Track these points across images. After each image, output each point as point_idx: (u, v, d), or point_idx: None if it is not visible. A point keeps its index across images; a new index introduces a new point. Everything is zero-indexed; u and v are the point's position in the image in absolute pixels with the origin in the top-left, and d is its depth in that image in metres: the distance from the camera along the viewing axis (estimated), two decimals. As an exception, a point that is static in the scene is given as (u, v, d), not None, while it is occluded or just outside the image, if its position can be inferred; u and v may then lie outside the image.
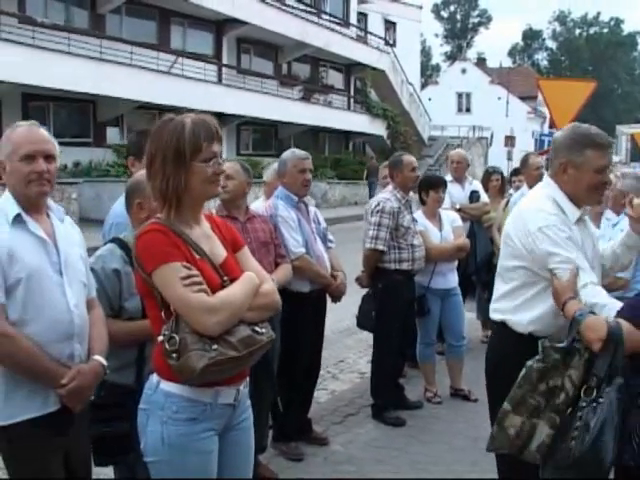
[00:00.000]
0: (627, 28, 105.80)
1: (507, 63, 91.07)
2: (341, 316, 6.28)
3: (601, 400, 3.10)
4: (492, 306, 4.00)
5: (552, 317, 3.61)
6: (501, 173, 9.93)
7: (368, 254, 6.49)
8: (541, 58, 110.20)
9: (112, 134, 25.40)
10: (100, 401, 3.37)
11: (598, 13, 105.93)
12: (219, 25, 29.09)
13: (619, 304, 3.38)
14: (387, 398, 6.64)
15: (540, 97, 57.81)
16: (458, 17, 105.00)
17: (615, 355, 3.13)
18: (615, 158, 58.59)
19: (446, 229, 7.13)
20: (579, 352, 3.24)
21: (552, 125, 15.77)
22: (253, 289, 2.93)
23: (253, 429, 3.17)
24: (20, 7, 22.16)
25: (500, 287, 3.94)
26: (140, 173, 3.82)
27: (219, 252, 3.00)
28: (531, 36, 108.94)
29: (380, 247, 6.36)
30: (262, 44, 32.27)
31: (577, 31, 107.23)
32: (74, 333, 3.17)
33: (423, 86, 61.64)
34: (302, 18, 32.64)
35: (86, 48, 21.93)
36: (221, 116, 28.71)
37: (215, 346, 2.73)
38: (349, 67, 38.44)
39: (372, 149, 40.77)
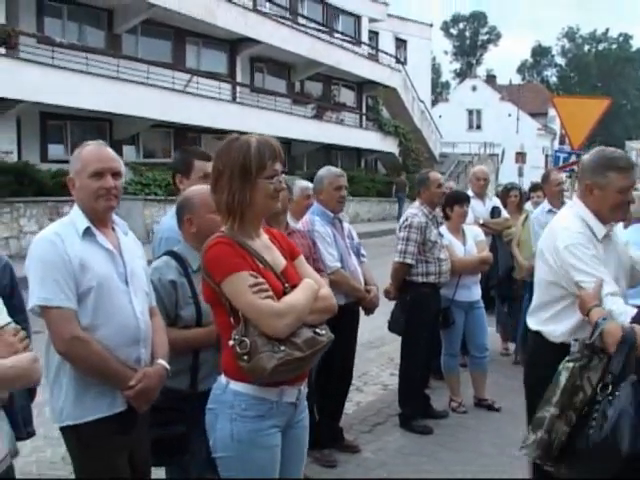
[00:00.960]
0: (636, 44, 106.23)
1: (516, 80, 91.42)
2: (362, 330, 6.46)
3: (617, 393, 3.37)
4: (529, 315, 4.23)
5: (580, 329, 3.84)
6: (519, 189, 10.15)
7: (397, 267, 6.71)
8: (550, 74, 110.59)
9: (128, 152, 25.55)
10: (157, 405, 3.55)
11: (607, 29, 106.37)
12: (233, 44, 29.34)
13: (634, 311, 3.66)
14: (414, 407, 6.84)
15: (550, 113, 58.08)
16: (467, 34, 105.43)
17: (629, 356, 3.43)
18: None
19: (469, 243, 7.34)
20: (598, 355, 3.50)
21: (563, 142, 15.97)
22: (313, 294, 3.16)
23: (309, 428, 3.37)
24: (39, 28, 22.46)
25: (536, 298, 4.21)
26: (189, 190, 4.05)
27: (279, 261, 3.23)
28: (540, 53, 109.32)
29: (408, 261, 6.59)
30: (275, 63, 32.53)
31: (586, 47, 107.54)
32: (140, 338, 3.39)
33: (434, 103, 61.86)
34: (314, 37, 32.89)
35: (104, 68, 22.19)
36: (235, 134, 29.05)
37: (282, 347, 2.96)
38: (361, 85, 38.62)
39: (384, 166, 40.93)
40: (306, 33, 32.49)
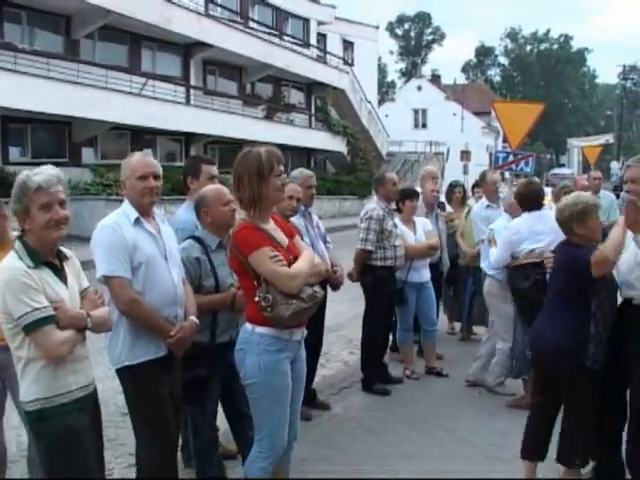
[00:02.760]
0: (576, 44, 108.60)
1: (461, 79, 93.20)
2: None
3: None
4: None
5: None
6: (463, 186, 11.28)
7: (359, 253, 7.87)
8: (494, 74, 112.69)
9: (87, 154, 26.30)
10: (185, 353, 4.61)
11: (548, 30, 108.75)
12: (187, 48, 30.16)
13: None
14: (375, 373, 7.98)
15: (494, 113, 59.44)
16: (412, 34, 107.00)
17: None
18: (567, 171, 60.40)
19: (419, 232, 8.49)
20: None
21: (505, 141, 17.15)
22: (311, 262, 4.37)
23: (305, 360, 4.62)
24: (-1, 34, 23.14)
25: None
26: (204, 189, 5.17)
27: (283, 239, 4.40)
28: (484, 52, 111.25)
29: (369, 247, 7.75)
30: (227, 65, 33.31)
31: (528, 47, 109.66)
32: (177, 301, 4.48)
33: (380, 103, 62.92)
34: (264, 40, 33.73)
35: (64, 73, 22.91)
36: (190, 136, 29.89)
37: (294, 301, 4.17)
38: (310, 86, 39.50)
39: (333, 165, 41.85)
40: (257, 37, 33.31)
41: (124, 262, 4.23)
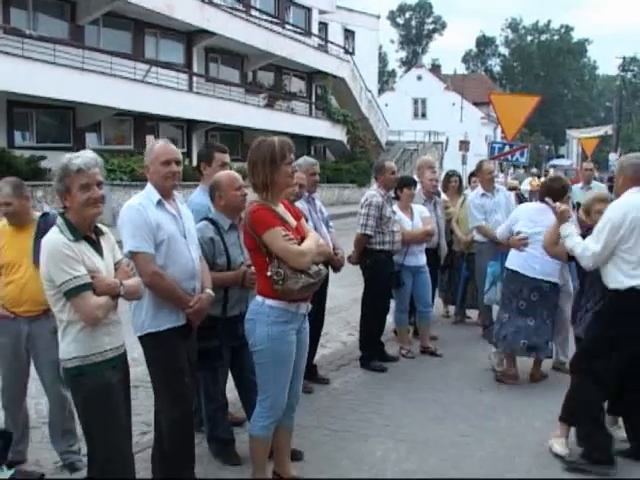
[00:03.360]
0: (576, 35, 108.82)
1: (461, 69, 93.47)
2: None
3: None
4: None
5: None
6: (459, 175, 11.70)
7: (359, 237, 8.32)
8: (494, 64, 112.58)
9: (91, 139, 26.67)
10: (200, 325, 5.06)
11: (549, 21, 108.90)
12: (189, 36, 30.51)
13: None
14: (372, 351, 8.44)
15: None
16: (413, 24, 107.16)
17: None
18: (566, 162, 60.71)
19: (416, 219, 8.93)
20: None
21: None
22: (317, 242, 4.83)
23: (308, 333, 5.08)
24: (5, 19, 23.43)
25: None
26: (218, 175, 5.63)
27: (292, 221, 4.85)
28: (484, 43, 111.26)
29: (368, 232, 8.20)
30: (229, 53, 33.69)
31: (529, 38, 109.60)
32: (195, 275, 4.93)
33: (380, 92, 63.19)
34: (267, 28, 34.06)
35: (69, 58, 23.25)
36: (191, 122, 30.24)
37: (303, 276, 4.61)
38: (311, 75, 39.88)
39: (332, 153, 42.28)
40: (259, 25, 33.64)
41: (148, 239, 4.67)
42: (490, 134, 64.17)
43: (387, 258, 8.37)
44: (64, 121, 25.91)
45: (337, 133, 39.89)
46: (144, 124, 28.69)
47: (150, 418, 5.51)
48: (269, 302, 4.72)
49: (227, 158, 6.17)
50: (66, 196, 4.09)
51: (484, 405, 7.19)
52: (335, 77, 39.60)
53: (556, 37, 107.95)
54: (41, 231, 5.31)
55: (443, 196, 10.91)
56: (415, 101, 65.32)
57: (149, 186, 4.87)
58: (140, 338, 4.87)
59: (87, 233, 4.13)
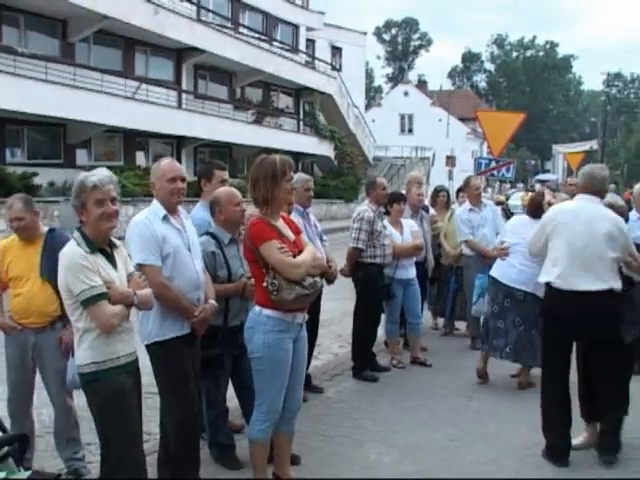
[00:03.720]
0: (561, 51, 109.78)
1: (447, 84, 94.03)
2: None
3: None
4: None
5: None
6: (447, 191, 12.01)
7: (351, 251, 8.60)
8: (480, 80, 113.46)
9: (81, 155, 26.86)
10: (203, 334, 5.31)
11: (534, 37, 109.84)
12: (179, 53, 30.79)
13: None
14: (364, 361, 8.69)
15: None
16: (399, 40, 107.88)
17: None
18: (552, 176, 61.22)
19: (406, 233, 9.21)
20: None
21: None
22: (314, 256, 5.09)
23: (306, 342, 5.32)
24: (-3, 36, 23.67)
25: None
26: (218, 191, 5.89)
27: (290, 235, 5.12)
28: (470, 58, 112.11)
29: (360, 245, 8.48)
30: (217, 70, 33.98)
31: (514, 54, 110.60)
32: (199, 286, 5.19)
33: (367, 107, 63.60)
34: (255, 46, 34.45)
35: (61, 76, 23.48)
36: (181, 139, 30.49)
37: (297, 287, 4.87)
38: (298, 91, 40.24)
39: (320, 169, 42.55)
40: (247, 42, 34.03)
41: (155, 252, 4.92)
42: (476, 149, 64.62)
43: (378, 271, 8.64)
44: (55, 137, 26.06)
45: (325, 149, 40.16)
46: (134, 140, 28.93)
47: (150, 427, 5.79)
48: (266, 312, 4.99)
49: (226, 175, 6.43)
50: (82, 211, 4.34)
51: (472, 411, 7.47)
52: (322, 93, 39.97)
53: (541, 53, 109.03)
54: (48, 246, 5.58)
55: (432, 211, 11.19)
56: (402, 117, 65.98)
57: (155, 202, 5.12)
58: (147, 346, 5.12)
59: (102, 246, 4.38)
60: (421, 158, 51.08)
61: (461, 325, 11.03)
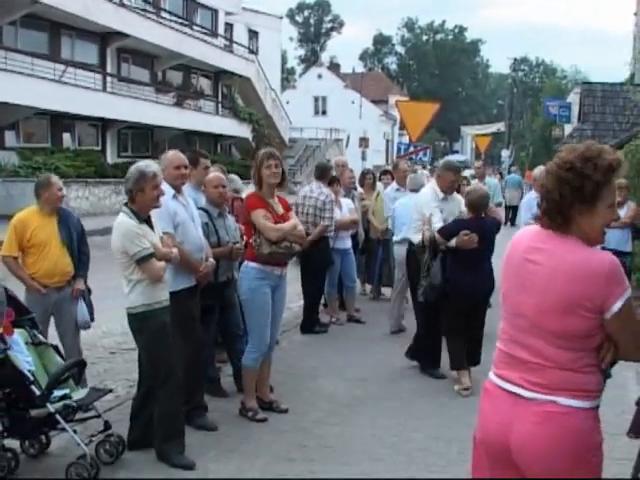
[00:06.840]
0: (470, 35, 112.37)
1: (359, 67, 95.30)
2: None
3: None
4: None
5: None
6: (373, 173, 13.57)
7: (323, 228, 9.95)
8: (391, 62, 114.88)
9: (9, 137, 27.40)
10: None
11: (443, 21, 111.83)
12: (104, 37, 31.38)
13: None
14: (310, 317, 10.21)
15: (391, 101, 61.79)
16: (312, 22, 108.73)
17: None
18: (460, 157, 63.15)
19: (344, 209, 10.74)
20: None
21: (402, 127, 19.44)
22: (293, 226, 6.65)
23: (285, 293, 6.85)
24: None
25: None
26: (208, 176, 7.23)
27: (280, 210, 6.66)
28: (381, 41, 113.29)
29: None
30: (140, 54, 34.58)
31: (424, 37, 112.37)
32: (202, 248, 6.59)
33: (282, 89, 64.50)
34: (176, 30, 35.18)
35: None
36: (106, 121, 31.12)
37: (273, 246, 6.44)
38: (218, 74, 40.94)
39: (238, 150, 43.39)
40: (169, 26, 34.76)
41: (169, 222, 6.25)
42: (388, 131, 66.29)
43: (324, 244, 10.12)
44: (-18, 120, 26.49)
45: (243, 131, 41.07)
46: (61, 122, 29.49)
47: (132, 377, 7.32)
48: (251, 264, 6.60)
49: (209, 162, 7.66)
50: (138, 193, 5.60)
51: (402, 349, 8.98)
52: (241, 77, 40.79)
53: (450, 37, 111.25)
54: (62, 218, 6.95)
55: (360, 190, 12.67)
56: (316, 99, 66.95)
57: (164, 184, 6.44)
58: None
59: (145, 218, 5.70)
60: (335, 140, 52.21)
61: (386, 291, 12.60)
